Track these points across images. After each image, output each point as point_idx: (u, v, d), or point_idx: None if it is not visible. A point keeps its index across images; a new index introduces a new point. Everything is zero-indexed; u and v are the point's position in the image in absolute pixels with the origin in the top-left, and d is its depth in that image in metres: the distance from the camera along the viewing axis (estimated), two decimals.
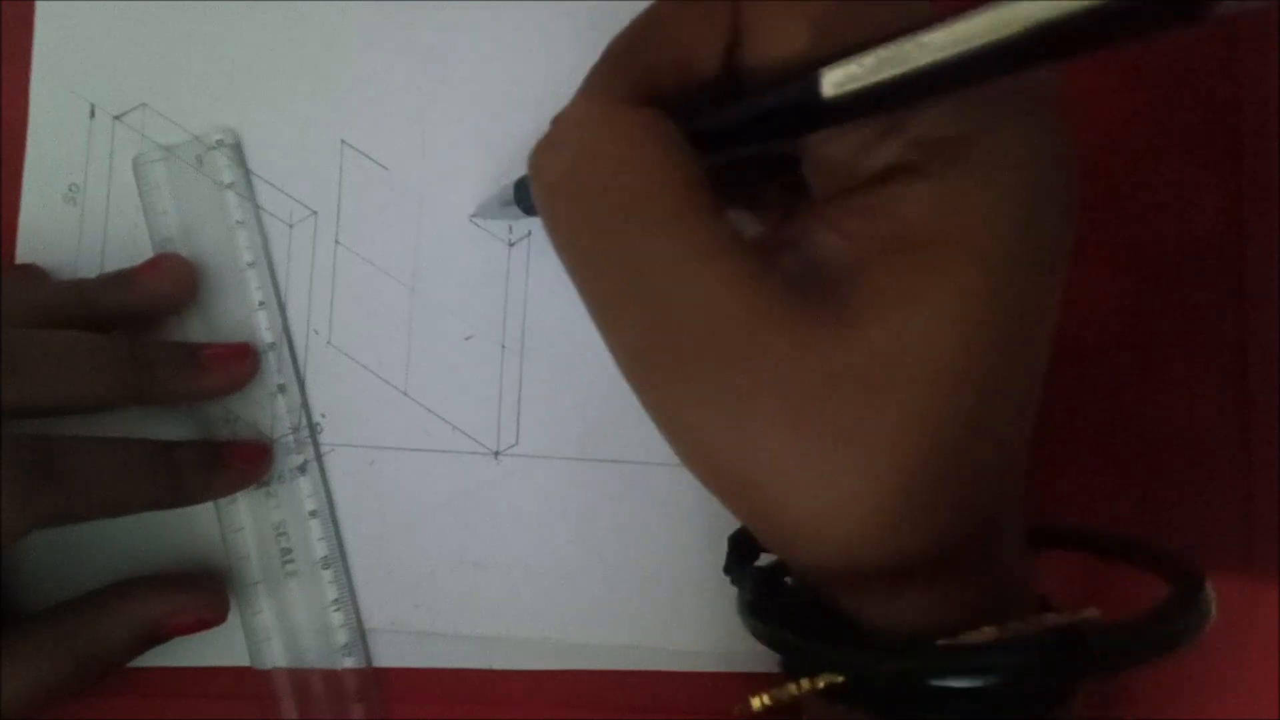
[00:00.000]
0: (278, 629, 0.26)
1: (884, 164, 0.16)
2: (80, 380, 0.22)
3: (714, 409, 0.15)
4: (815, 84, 0.15)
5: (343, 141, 0.27)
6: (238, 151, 0.27)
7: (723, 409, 0.15)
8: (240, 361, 0.26)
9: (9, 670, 0.22)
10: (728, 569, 0.20)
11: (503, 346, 0.26)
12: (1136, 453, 0.26)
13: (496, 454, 0.26)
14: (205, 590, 0.25)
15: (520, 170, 0.20)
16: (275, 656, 0.26)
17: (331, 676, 0.26)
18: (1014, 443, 0.16)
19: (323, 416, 0.26)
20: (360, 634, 0.26)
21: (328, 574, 0.26)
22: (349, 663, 0.26)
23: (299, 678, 0.26)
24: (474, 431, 0.26)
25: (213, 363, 0.25)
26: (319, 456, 0.26)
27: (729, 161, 0.18)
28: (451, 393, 0.26)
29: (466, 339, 0.26)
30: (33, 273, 0.26)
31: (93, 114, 0.27)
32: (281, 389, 0.26)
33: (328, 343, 0.27)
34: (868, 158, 0.16)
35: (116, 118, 0.27)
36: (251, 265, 0.27)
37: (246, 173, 0.27)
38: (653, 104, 0.16)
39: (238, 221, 0.27)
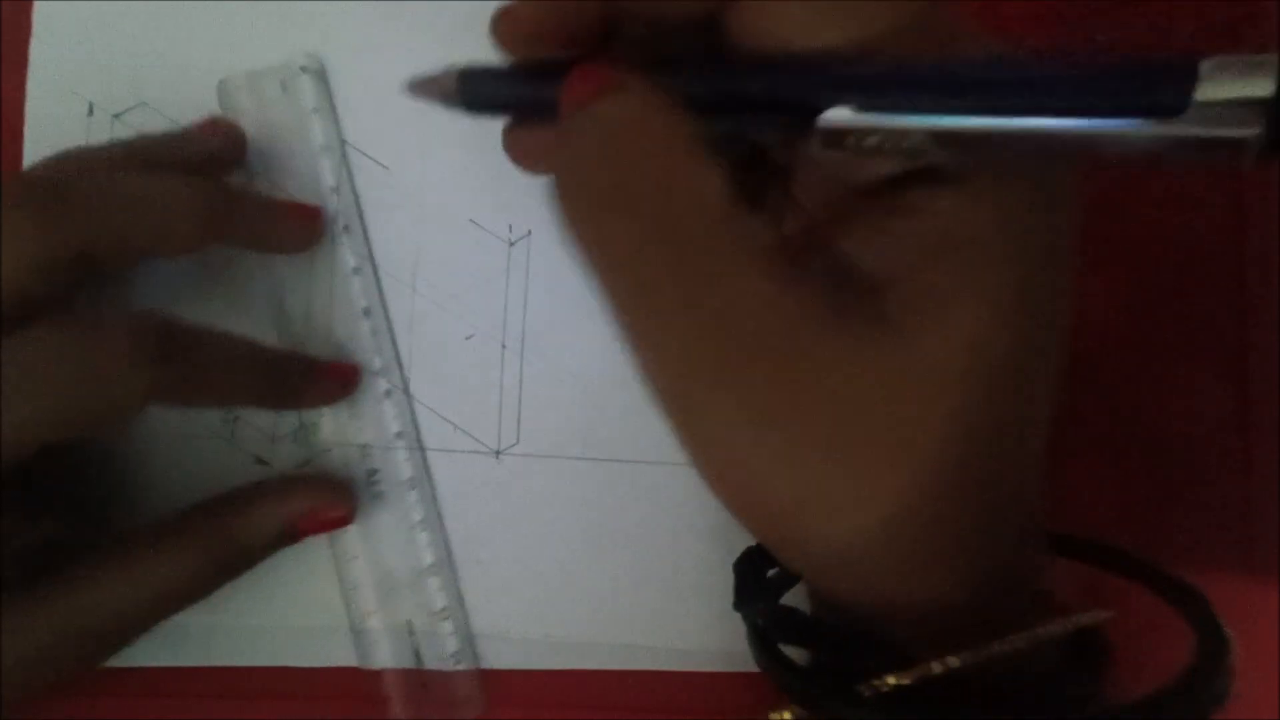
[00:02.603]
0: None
1: (900, 168, 0.15)
2: (165, 220, 0.21)
3: (757, 423, 0.14)
4: (814, 110, 0.14)
5: (343, 141, 0.27)
6: None
7: (767, 422, 0.14)
8: (312, 221, 0.26)
9: (143, 574, 0.21)
10: (737, 605, 0.20)
11: (503, 346, 0.26)
12: (1137, 454, 0.26)
13: (497, 453, 0.26)
14: (336, 491, 0.25)
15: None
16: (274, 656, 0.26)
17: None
18: (1039, 443, 0.16)
19: (322, 416, 0.26)
20: None
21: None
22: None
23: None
24: (475, 431, 0.26)
25: (289, 216, 0.25)
26: (318, 456, 0.26)
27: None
28: (452, 392, 0.26)
29: (467, 339, 0.26)
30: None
31: (91, 112, 0.27)
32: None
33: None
34: (879, 163, 0.15)
35: (115, 116, 0.27)
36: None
37: (246, 172, 0.27)
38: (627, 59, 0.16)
39: None
